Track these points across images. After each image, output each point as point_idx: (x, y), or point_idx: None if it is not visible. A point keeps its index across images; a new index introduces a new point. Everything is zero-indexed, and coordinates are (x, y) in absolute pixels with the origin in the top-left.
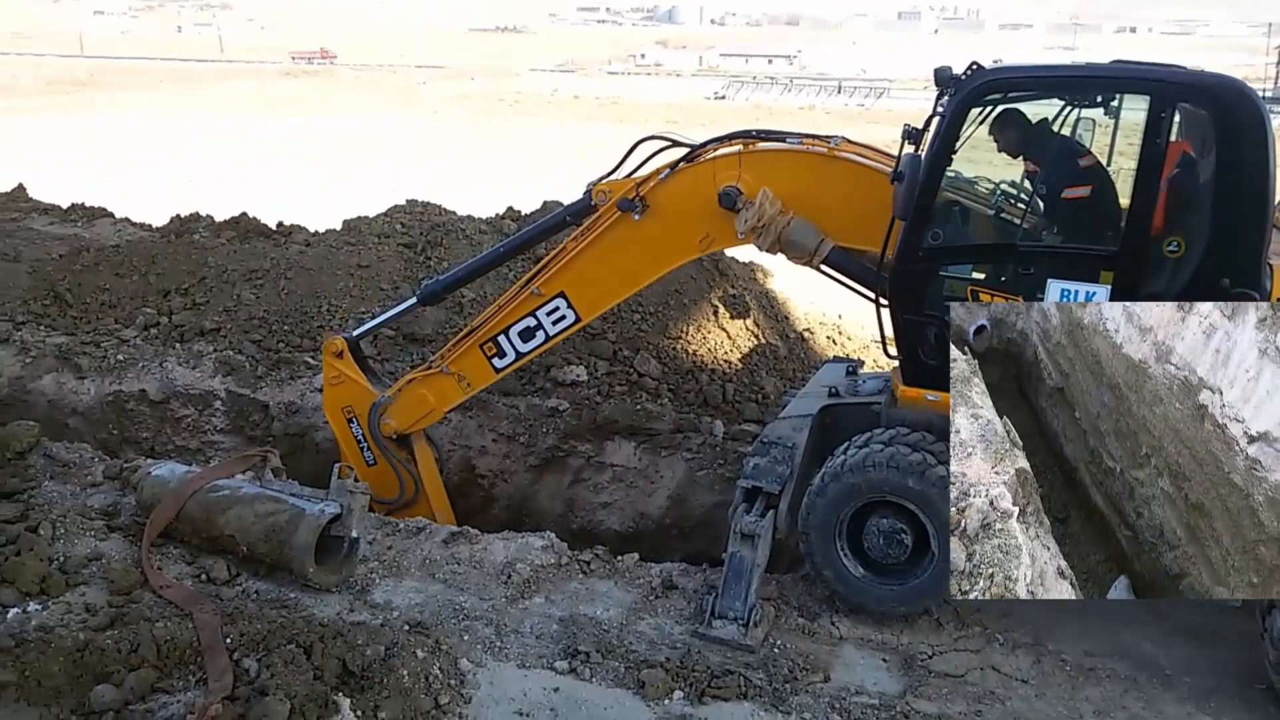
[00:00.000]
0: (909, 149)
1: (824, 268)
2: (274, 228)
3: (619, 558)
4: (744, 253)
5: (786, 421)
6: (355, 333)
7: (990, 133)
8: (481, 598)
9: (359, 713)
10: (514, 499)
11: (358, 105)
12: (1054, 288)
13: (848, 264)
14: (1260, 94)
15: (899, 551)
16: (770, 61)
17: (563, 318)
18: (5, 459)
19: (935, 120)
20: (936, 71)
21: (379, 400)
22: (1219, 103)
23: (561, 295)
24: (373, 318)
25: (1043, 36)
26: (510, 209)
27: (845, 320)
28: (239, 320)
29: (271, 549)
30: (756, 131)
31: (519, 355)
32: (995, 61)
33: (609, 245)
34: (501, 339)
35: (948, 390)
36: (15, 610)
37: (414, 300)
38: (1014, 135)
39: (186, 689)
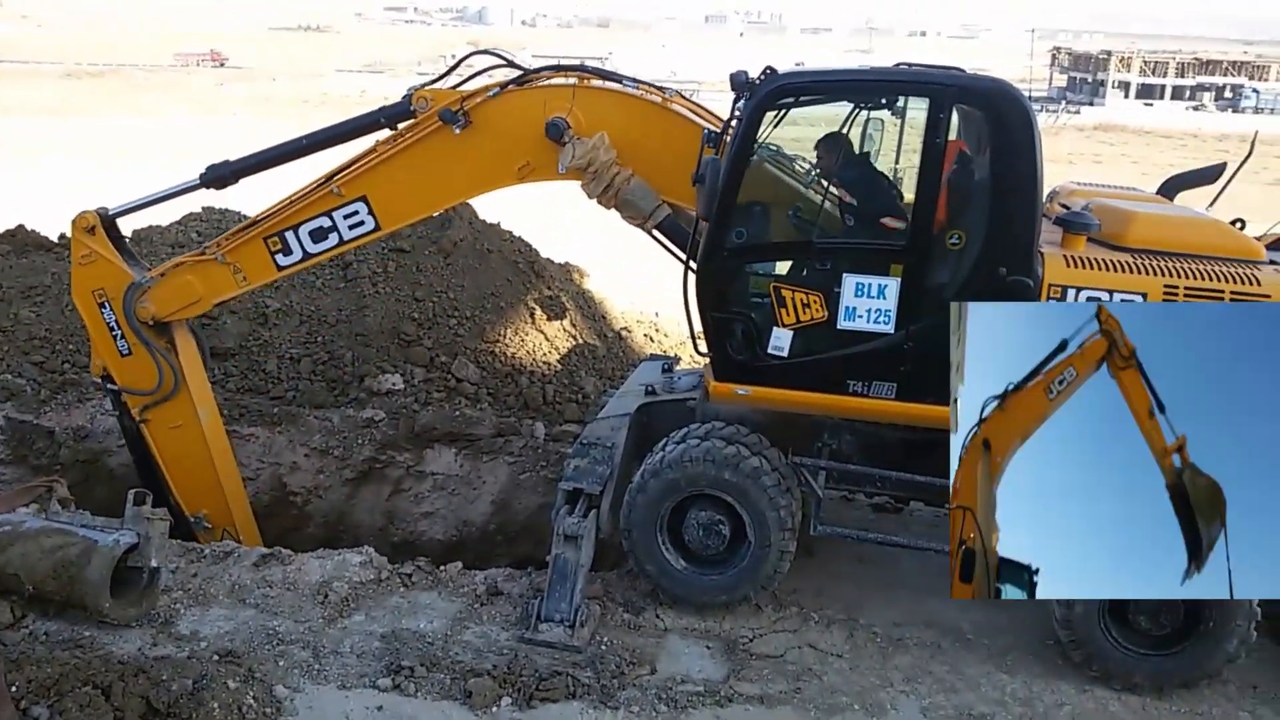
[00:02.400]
0: (709, 152)
1: (655, 232)
2: (55, 240)
3: (442, 568)
4: (559, 252)
5: (605, 421)
6: (114, 210)
7: (815, 149)
8: (297, 620)
9: None
10: (330, 515)
11: (151, 109)
12: (849, 281)
13: (679, 233)
14: (1030, 94)
15: (718, 542)
16: (582, 64)
17: (361, 223)
18: None
19: (733, 124)
20: (732, 76)
21: (136, 281)
22: (991, 104)
23: (363, 199)
24: (141, 198)
25: (842, 39)
26: None
27: (662, 318)
28: (18, 341)
29: (61, 586)
30: (592, 69)
31: (306, 256)
32: (797, 64)
33: (423, 154)
34: (289, 235)
35: (758, 384)
36: None
37: (196, 181)
38: (835, 161)
39: None
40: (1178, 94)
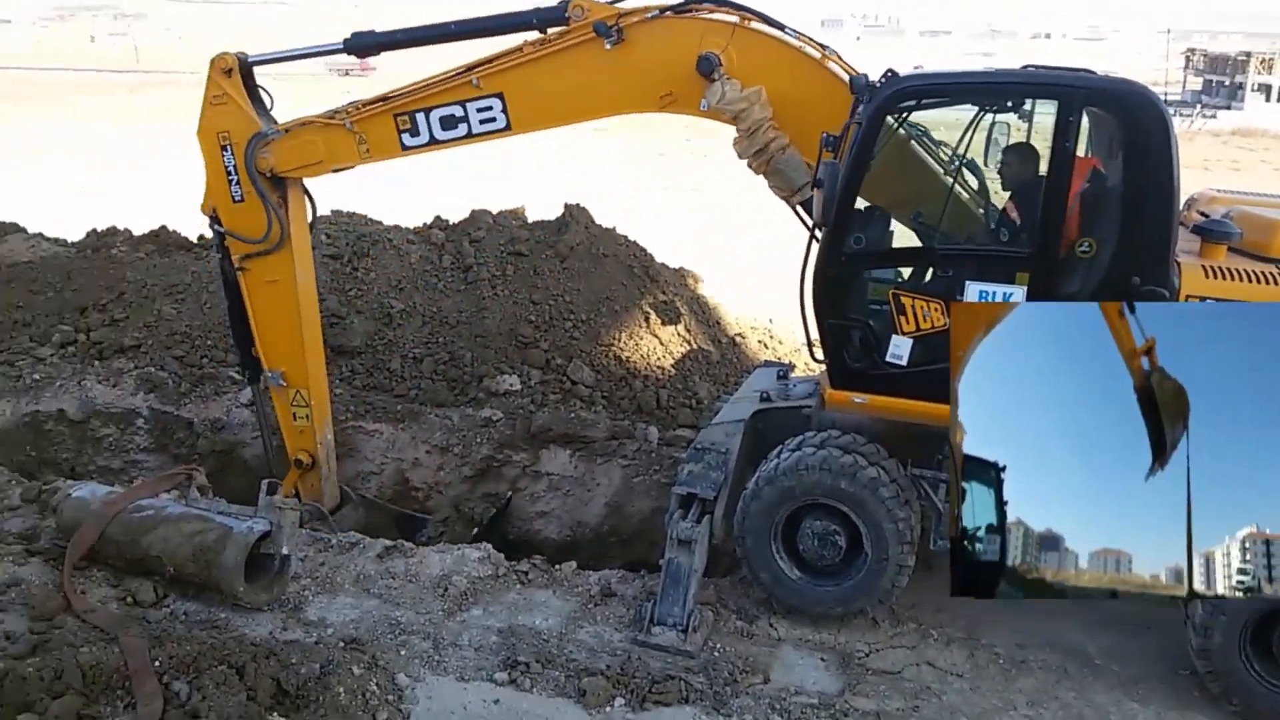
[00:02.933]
0: (827, 157)
1: (798, 207)
2: (195, 240)
3: (557, 567)
4: (674, 258)
5: (720, 427)
6: (253, 57)
7: (1002, 156)
8: (418, 612)
9: None
10: (449, 510)
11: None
12: (972, 289)
13: None
14: (1164, 97)
15: (833, 553)
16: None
17: (492, 120)
18: None
19: (853, 128)
20: (852, 80)
21: (262, 132)
22: (1125, 107)
23: (499, 96)
24: (283, 51)
25: (962, 43)
26: (438, 218)
27: (776, 325)
28: (160, 336)
29: (199, 569)
30: (755, 10)
31: (432, 140)
32: (915, 67)
33: (569, 63)
34: (420, 116)
35: (875, 392)
36: None
37: (339, 44)
38: (1024, 172)
39: (115, 715)
40: None
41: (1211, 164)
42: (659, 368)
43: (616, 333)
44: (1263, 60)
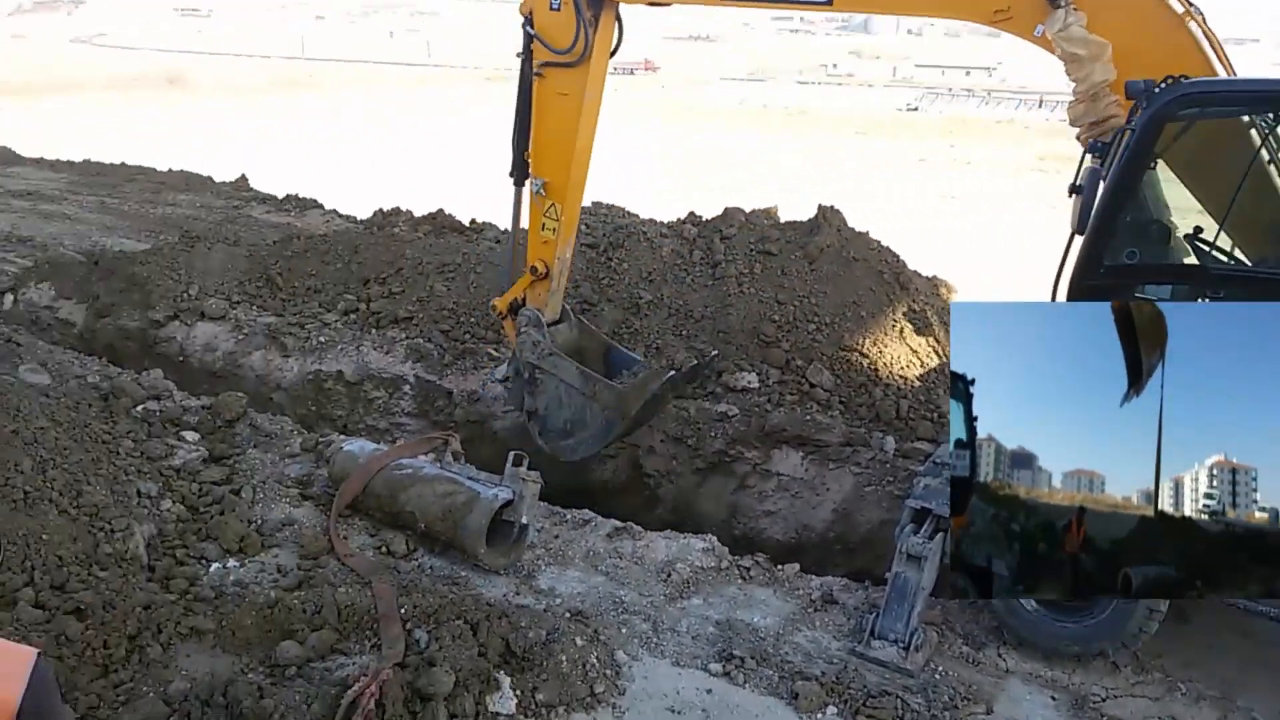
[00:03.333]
0: (1091, 161)
1: None
2: (467, 224)
3: (779, 567)
4: (927, 266)
5: None
6: None
7: None
8: (641, 593)
9: (518, 692)
10: (678, 500)
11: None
12: None
13: None
14: None
15: None
16: (968, 73)
17: None
18: (217, 426)
19: (1126, 134)
20: (1128, 84)
21: None
22: None
23: None
24: None
25: (1271, 51)
26: (691, 214)
27: None
28: (430, 310)
29: (447, 528)
30: None
31: None
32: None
33: None
34: None
35: None
36: (217, 565)
37: None
38: None
39: (362, 652)
40: None
41: None
42: (902, 377)
43: (861, 338)
44: None
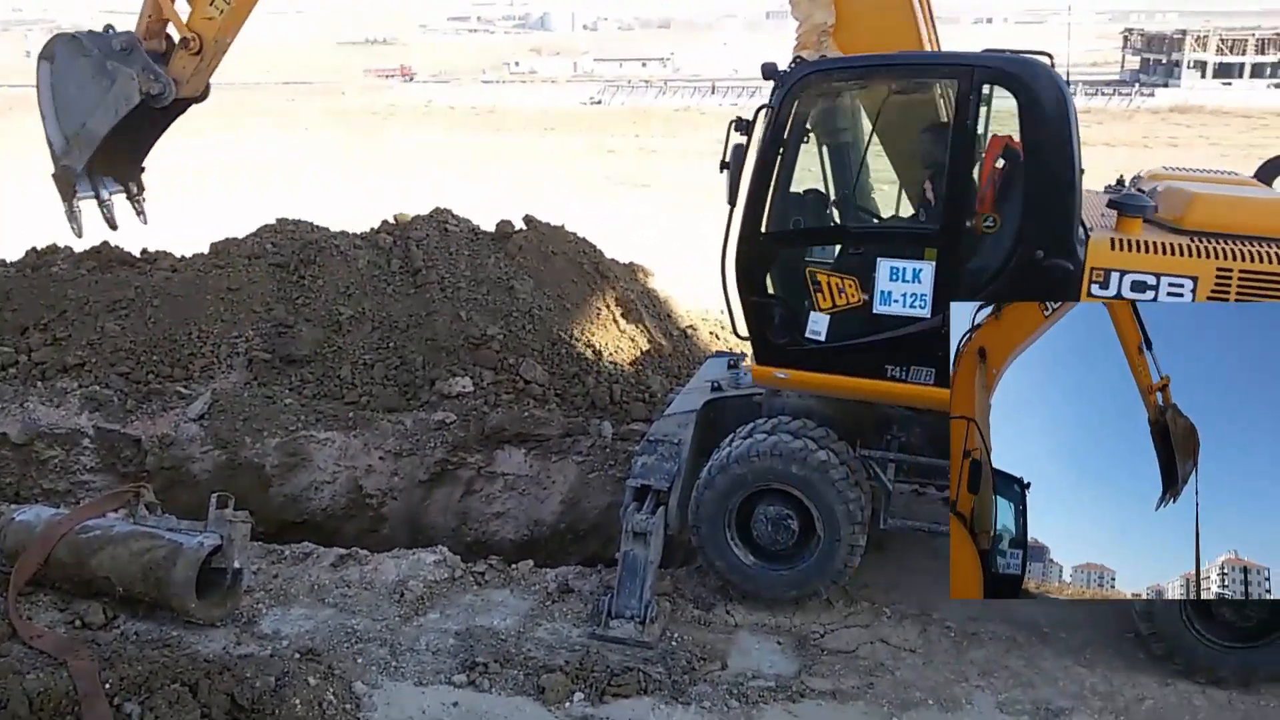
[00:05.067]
0: (739, 138)
1: None
2: (138, 255)
3: (513, 566)
4: (624, 253)
5: (672, 419)
6: None
7: (918, 139)
8: (374, 619)
9: None
10: (405, 516)
11: (223, 124)
12: (883, 266)
13: None
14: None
15: (787, 537)
16: (644, 65)
17: None
18: None
19: (764, 111)
20: (764, 66)
21: None
22: (1022, 84)
23: None
24: None
25: (1002, 28)
26: (385, 222)
27: (726, 315)
28: (104, 353)
29: (149, 587)
30: None
31: None
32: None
33: None
34: None
35: (797, 368)
36: None
37: None
38: (932, 151)
39: None
40: (1258, 72)
41: (1150, 140)
42: (612, 363)
43: (568, 329)
44: (1198, 38)
